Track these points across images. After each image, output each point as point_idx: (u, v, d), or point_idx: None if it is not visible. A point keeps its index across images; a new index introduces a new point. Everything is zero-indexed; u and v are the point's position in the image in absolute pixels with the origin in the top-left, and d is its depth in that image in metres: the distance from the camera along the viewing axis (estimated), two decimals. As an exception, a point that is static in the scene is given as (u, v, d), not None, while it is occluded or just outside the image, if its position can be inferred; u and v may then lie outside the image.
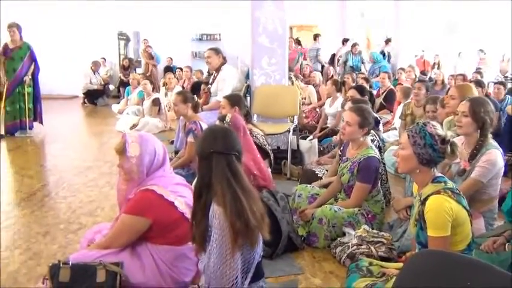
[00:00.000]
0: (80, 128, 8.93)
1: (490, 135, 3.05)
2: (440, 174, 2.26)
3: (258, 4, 5.25)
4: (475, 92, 3.95)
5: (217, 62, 5.48)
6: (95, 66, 11.98)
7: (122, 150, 2.37)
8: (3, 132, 6.99)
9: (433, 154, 2.17)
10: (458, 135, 3.13)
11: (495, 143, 3.06)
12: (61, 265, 2.15)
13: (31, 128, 7.23)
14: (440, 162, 2.27)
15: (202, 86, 6.21)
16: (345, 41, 11.70)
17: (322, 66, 11.14)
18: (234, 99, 4.32)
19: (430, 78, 10.29)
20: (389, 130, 6.26)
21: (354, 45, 10.96)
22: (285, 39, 5.44)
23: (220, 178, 1.89)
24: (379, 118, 4.43)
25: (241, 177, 1.93)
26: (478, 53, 12.23)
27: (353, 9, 13.09)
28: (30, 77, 7.06)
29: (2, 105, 6.96)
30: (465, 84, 4.48)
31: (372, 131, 3.58)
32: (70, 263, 2.17)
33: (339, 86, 6.43)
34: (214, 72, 5.60)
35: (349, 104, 4.03)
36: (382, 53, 11.33)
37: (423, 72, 11.08)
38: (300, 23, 13.31)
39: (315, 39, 11.74)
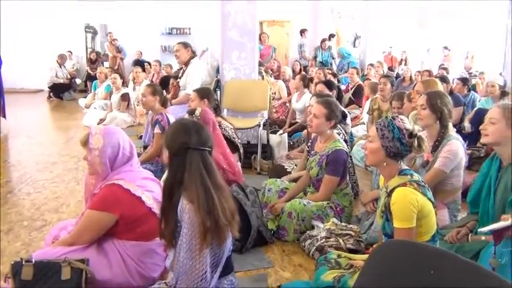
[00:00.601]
0: (45, 122, 8.66)
1: (451, 127, 3.16)
2: (406, 167, 2.30)
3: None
4: (440, 87, 4.06)
5: (186, 56, 5.45)
6: (61, 60, 11.63)
7: (85, 142, 2.33)
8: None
9: (400, 147, 2.21)
10: (424, 129, 3.20)
11: (456, 135, 3.17)
12: (23, 263, 2.08)
13: (-6, 122, 6.99)
14: (407, 156, 2.31)
15: (171, 80, 6.14)
16: (331, 36, 11.76)
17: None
18: (203, 92, 4.29)
19: (397, 74, 10.47)
20: (357, 125, 6.36)
21: (323, 40, 11.03)
22: (255, 33, 5.42)
23: (194, 175, 1.85)
24: (346, 112, 4.48)
25: (214, 174, 1.90)
26: (442, 50, 12.54)
27: (326, 4, 13.16)
28: (-9, 69, 6.82)
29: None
30: (431, 80, 4.59)
31: (337, 125, 3.61)
32: (33, 260, 2.11)
33: (307, 81, 6.47)
34: (183, 66, 5.56)
35: (314, 99, 4.05)
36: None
37: (390, 68, 11.25)
38: (271, 18, 13.27)
39: (301, 34, 11.80)
